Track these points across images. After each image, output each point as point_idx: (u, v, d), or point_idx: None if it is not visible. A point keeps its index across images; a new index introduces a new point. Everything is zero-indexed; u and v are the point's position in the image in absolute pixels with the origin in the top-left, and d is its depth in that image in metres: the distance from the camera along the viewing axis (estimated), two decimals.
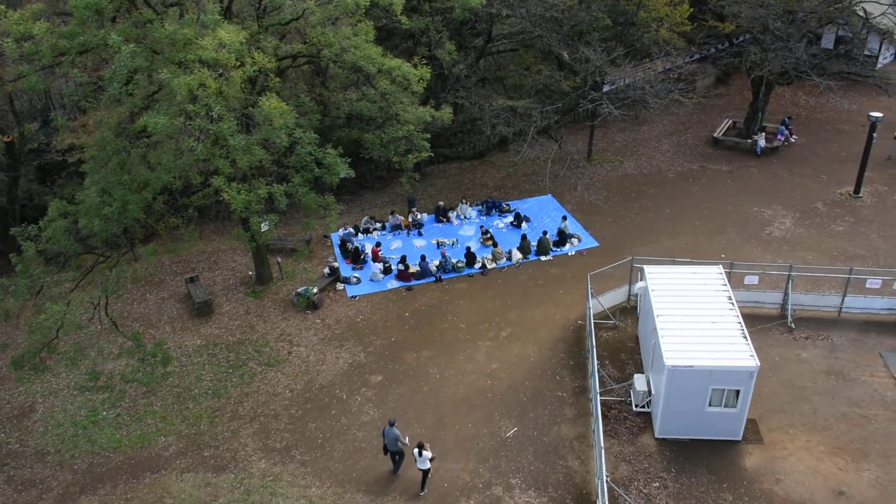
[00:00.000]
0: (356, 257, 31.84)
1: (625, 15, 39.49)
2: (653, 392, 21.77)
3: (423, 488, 20.42)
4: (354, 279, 30.63)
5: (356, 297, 29.71)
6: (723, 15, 39.11)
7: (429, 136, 27.37)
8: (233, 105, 21.66)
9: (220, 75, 20.62)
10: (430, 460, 20.28)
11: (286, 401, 24.37)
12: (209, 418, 23.89)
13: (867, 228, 32.05)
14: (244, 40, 21.35)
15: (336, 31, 24.51)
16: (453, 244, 32.87)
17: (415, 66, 25.49)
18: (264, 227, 24.25)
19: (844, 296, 25.82)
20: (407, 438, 20.98)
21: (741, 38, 43.46)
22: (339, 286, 30.38)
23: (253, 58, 21.73)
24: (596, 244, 32.13)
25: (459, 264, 31.04)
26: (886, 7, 40.18)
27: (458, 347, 26.22)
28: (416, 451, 20.08)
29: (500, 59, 45.00)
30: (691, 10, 39.36)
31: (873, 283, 25.68)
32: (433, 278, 30.44)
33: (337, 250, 32.78)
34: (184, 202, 28.24)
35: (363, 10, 24.12)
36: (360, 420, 23.28)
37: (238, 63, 20.89)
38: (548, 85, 38.89)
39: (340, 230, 33.72)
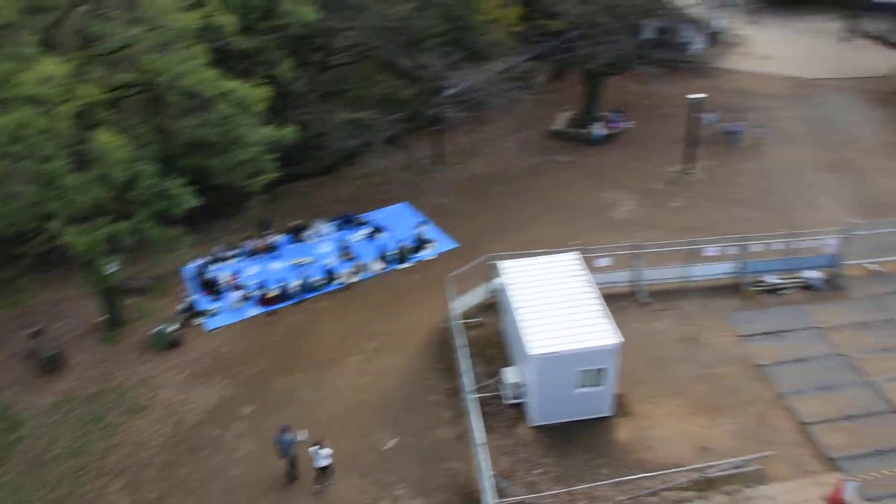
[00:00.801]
0: (213, 288, 30.79)
1: (460, 19, 40.32)
2: (523, 383, 22.29)
3: (319, 482, 20.43)
4: (212, 311, 29.61)
5: (216, 328, 28.72)
6: (553, 13, 40.67)
7: (275, 155, 26.85)
8: (63, 142, 20.45)
9: (46, 111, 19.42)
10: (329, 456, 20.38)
11: (155, 448, 23.19)
12: (71, 480, 22.33)
13: (701, 202, 34.31)
14: (69, 73, 20.21)
15: (168, 56, 23.61)
16: (312, 263, 32.45)
17: (254, 86, 24.96)
18: (111, 268, 23.04)
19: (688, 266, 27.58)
20: (306, 433, 20.84)
21: (571, 35, 45.38)
22: (198, 320, 29.28)
23: (80, 91, 20.61)
24: (455, 245, 32.62)
25: (320, 282, 30.67)
26: (690, 3, 43.63)
27: (328, 366, 25.88)
28: (313, 449, 20.03)
29: (342, 72, 44.75)
30: (523, 10, 40.71)
31: (711, 251, 27.46)
32: (295, 300, 29.90)
33: (192, 283, 31.57)
34: (20, 251, 26.33)
35: (194, 34, 23.37)
36: (235, 456, 22.50)
37: (65, 97, 19.74)
38: (390, 94, 39.13)
39: (195, 261, 32.51)
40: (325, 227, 35.05)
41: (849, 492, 17.93)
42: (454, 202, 36.22)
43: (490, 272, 26.80)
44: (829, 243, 27.99)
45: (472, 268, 27.00)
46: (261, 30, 33.80)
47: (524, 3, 41.10)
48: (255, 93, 24.71)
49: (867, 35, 48.49)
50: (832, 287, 27.62)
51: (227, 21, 24.65)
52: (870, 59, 50.88)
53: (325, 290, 30.48)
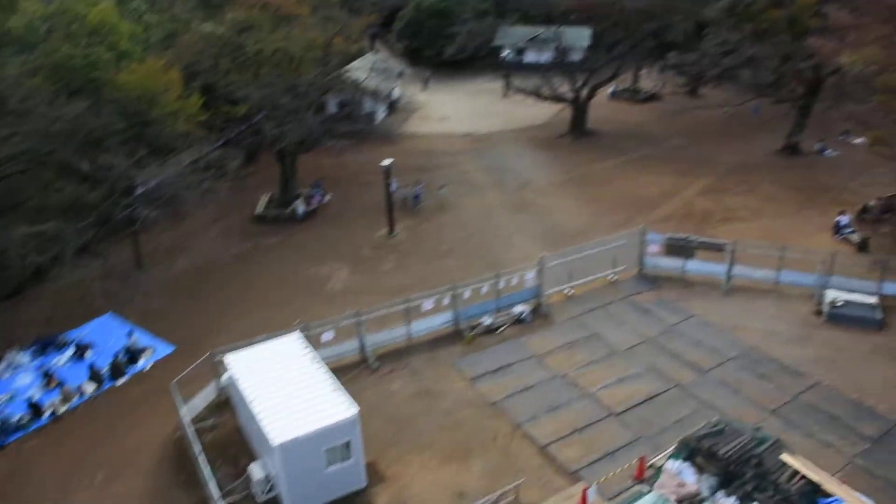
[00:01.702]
0: None
1: (138, 115, 38.55)
2: (272, 475, 21.30)
3: None
4: None
5: None
6: (234, 99, 40.50)
7: None
8: None
9: None
10: None
11: None
12: None
13: (409, 261, 35.81)
14: None
15: None
16: (10, 400, 28.52)
17: None
18: None
19: (409, 325, 28.46)
20: None
21: (257, 118, 45.54)
22: None
23: None
24: (172, 349, 30.61)
25: (24, 420, 27.01)
26: (366, 76, 46.22)
27: None
28: None
29: (15, 182, 40.46)
30: (203, 98, 40.01)
31: (427, 305, 28.61)
32: None
33: None
34: None
35: None
36: None
37: None
38: (75, 200, 36.11)
39: None
40: (20, 357, 31.04)
41: (591, 496, 19.31)
42: (165, 304, 34.13)
43: (216, 369, 25.48)
44: (529, 277, 30.55)
45: (195, 368, 25.46)
46: None
47: (203, 92, 40.51)
48: None
49: (523, 91, 54.55)
50: (539, 316, 30.12)
51: None
52: (530, 111, 57.31)
53: (33, 428, 26.85)
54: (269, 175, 47.53)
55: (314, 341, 25.68)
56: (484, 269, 32.30)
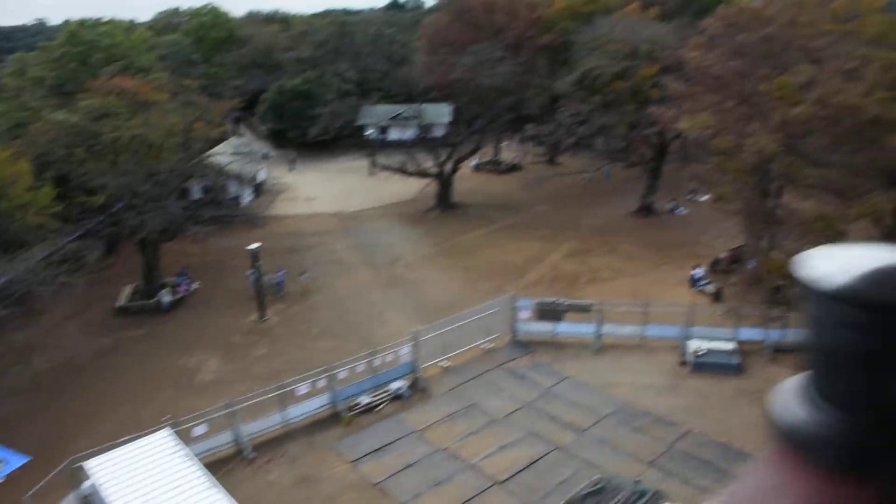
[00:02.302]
0: None
1: None
2: None
3: None
4: None
5: None
6: (91, 188, 39.04)
7: None
8: None
9: None
10: None
11: None
12: None
13: (282, 345, 35.15)
14: None
15: None
16: None
17: None
18: None
19: (283, 410, 27.78)
20: None
21: (117, 206, 43.99)
22: None
23: None
24: (27, 459, 28.42)
25: None
26: (230, 160, 45.89)
27: None
28: None
29: None
30: (56, 189, 38.35)
31: (302, 389, 28.09)
32: None
33: None
34: None
35: None
36: None
37: None
38: None
39: None
40: None
41: None
42: (19, 409, 31.78)
43: (76, 477, 23.85)
44: (404, 352, 30.62)
45: (53, 478, 23.74)
46: None
47: (58, 182, 38.89)
48: None
49: (389, 168, 55.54)
50: (417, 391, 30.13)
51: None
52: (396, 187, 58.27)
53: None
54: (132, 265, 45.75)
55: (185, 437, 24.59)
56: (359, 347, 32.10)
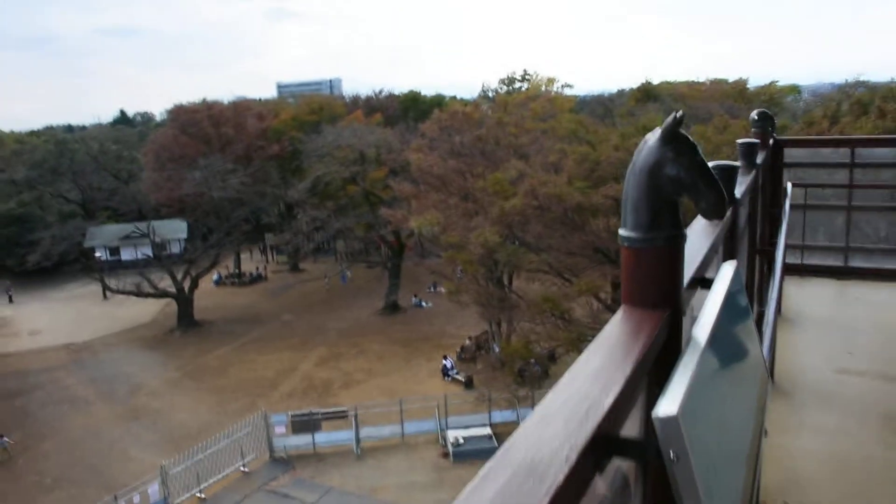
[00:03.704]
0: None
1: None
2: None
3: None
4: None
5: None
6: None
7: None
8: None
9: None
10: None
11: None
12: None
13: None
14: None
15: None
16: None
17: None
18: None
19: None
20: None
21: None
22: None
23: None
24: None
25: None
26: None
27: None
28: None
29: None
30: None
31: None
32: None
33: None
34: None
35: None
36: None
37: None
38: None
39: None
40: None
41: None
42: None
43: None
44: (153, 491, 27.98)
45: None
46: None
47: None
48: None
49: (123, 291, 51.99)
50: None
51: None
52: (133, 310, 54.51)
53: None
54: None
55: None
56: (100, 494, 28.85)
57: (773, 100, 47.62)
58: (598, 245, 29.79)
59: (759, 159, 5.99)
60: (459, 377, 38.82)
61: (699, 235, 2.69)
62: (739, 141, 5.58)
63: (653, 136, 1.79)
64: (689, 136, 1.78)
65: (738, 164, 4.28)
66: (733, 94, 47.43)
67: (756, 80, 52.21)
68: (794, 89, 57.59)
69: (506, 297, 33.17)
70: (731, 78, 52.48)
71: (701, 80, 55.48)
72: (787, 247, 8.14)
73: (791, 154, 9.20)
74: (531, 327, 30.69)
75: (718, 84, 51.70)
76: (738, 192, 3.93)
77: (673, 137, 1.75)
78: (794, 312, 7.68)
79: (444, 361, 40.10)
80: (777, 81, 51.00)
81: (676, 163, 1.75)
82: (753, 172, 5.18)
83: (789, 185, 7.50)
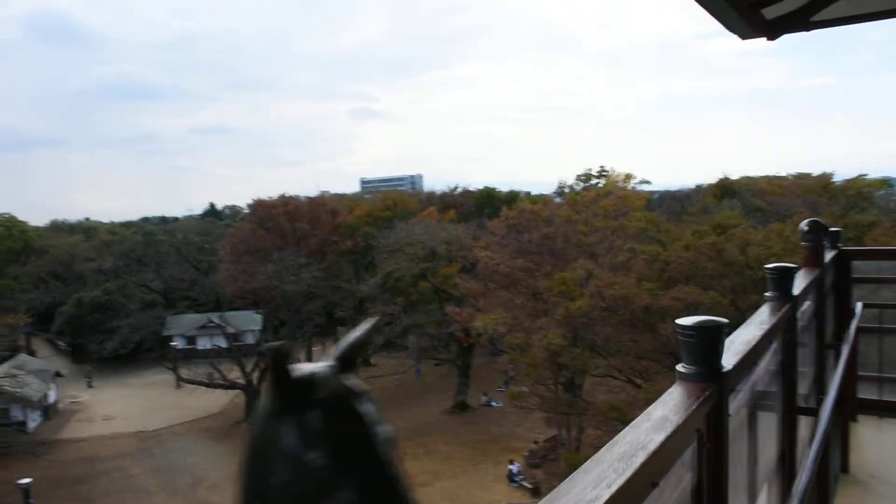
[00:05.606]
0: None
1: None
2: None
3: None
4: None
5: None
6: None
7: None
8: None
9: None
10: None
11: None
12: None
13: None
14: None
15: None
16: None
17: None
18: None
19: None
20: None
21: None
22: None
23: None
24: None
25: None
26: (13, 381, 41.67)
27: None
28: None
29: None
30: None
31: None
32: None
33: None
34: None
35: None
36: None
37: None
38: None
39: None
40: None
41: None
42: None
43: None
44: None
45: None
46: None
47: None
48: None
49: (194, 381, 52.60)
50: None
51: None
52: (203, 400, 54.90)
53: None
54: None
55: None
56: None
57: (861, 194, 45.40)
58: (670, 349, 28.37)
59: (806, 283, 5.12)
60: (526, 484, 37.10)
61: None
62: (769, 266, 4.39)
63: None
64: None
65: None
66: (817, 189, 45.60)
67: (843, 174, 50.10)
68: (886, 183, 55.03)
69: (574, 403, 31.74)
70: (816, 171, 50.65)
71: (783, 174, 53.78)
72: (858, 380, 7.07)
73: (858, 267, 8.26)
74: (597, 435, 29.11)
75: (801, 178, 49.92)
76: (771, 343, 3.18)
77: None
78: (872, 467, 6.15)
79: (510, 466, 38.49)
80: (866, 175, 48.81)
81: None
82: (790, 304, 4.27)
83: (859, 305, 6.59)
